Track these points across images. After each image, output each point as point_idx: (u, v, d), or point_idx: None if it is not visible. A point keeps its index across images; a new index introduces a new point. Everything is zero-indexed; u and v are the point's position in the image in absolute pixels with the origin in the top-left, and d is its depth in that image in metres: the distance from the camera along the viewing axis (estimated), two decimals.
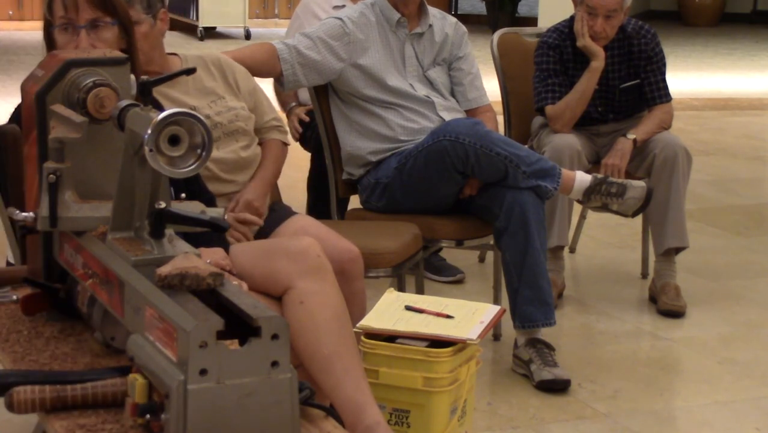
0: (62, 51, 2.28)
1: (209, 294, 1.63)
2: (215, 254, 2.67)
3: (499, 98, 4.62)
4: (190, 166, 1.72)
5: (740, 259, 5.25)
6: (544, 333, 3.73)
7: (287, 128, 3.45)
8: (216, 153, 3.19)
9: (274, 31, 13.18)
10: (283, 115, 4.37)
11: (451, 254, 4.85)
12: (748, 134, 8.49)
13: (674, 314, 4.37)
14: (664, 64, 4.54)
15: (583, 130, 4.44)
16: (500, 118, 4.44)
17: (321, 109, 3.99)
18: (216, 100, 3.28)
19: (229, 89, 3.34)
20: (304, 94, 4.46)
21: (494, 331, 3.97)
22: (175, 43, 12.03)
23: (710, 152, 7.33)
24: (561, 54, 4.44)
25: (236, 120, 3.28)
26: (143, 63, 3.16)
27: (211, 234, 2.43)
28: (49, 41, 2.64)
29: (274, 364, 1.52)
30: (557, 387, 3.64)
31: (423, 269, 4.03)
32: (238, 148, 3.28)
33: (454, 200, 3.84)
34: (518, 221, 3.66)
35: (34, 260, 2.15)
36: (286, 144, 3.47)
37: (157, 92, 3.12)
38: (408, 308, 3.03)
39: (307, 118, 4.53)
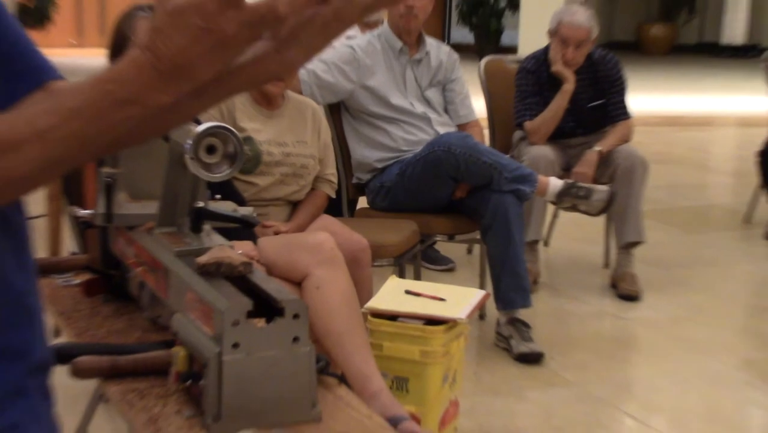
0: None
1: (240, 280, 1.64)
2: (245, 246, 2.68)
3: (486, 115, 4.62)
4: (224, 171, 1.72)
5: (687, 252, 5.25)
6: (522, 314, 3.74)
7: (336, 183, 3.47)
8: (276, 187, 3.24)
9: None
10: None
11: (444, 247, 4.85)
12: (694, 147, 8.50)
13: (631, 297, 4.38)
14: (625, 87, 4.55)
15: (556, 142, 4.44)
16: (486, 132, 4.45)
17: (334, 123, 3.99)
18: (300, 142, 3.30)
19: (314, 137, 3.35)
20: None
21: (480, 312, 3.98)
22: None
23: (663, 162, 7.33)
24: (538, 78, 4.44)
25: (306, 167, 3.30)
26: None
27: (242, 229, 2.43)
28: None
29: (295, 339, 1.52)
30: (533, 359, 3.65)
31: (420, 259, 4.04)
32: (290, 192, 3.29)
33: (447, 201, 3.84)
34: (501, 219, 3.67)
35: (93, 251, 2.15)
36: (330, 196, 3.47)
37: (260, 119, 3.24)
38: (407, 292, 3.03)
39: None
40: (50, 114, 0.85)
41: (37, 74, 1.07)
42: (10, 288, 1.00)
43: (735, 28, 14.87)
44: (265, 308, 1.54)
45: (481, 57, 4.89)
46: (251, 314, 1.50)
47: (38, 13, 11.35)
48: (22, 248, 1.03)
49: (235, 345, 1.48)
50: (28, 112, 0.86)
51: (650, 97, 9.99)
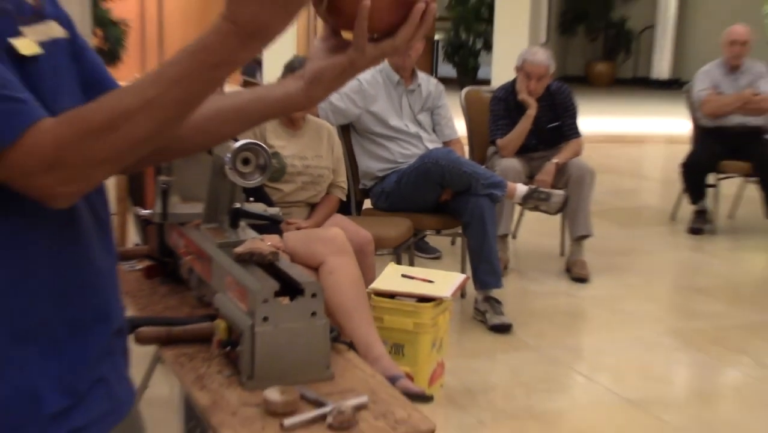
0: None
1: (269, 266, 1.62)
2: (273, 239, 2.67)
3: (466, 134, 4.61)
4: (256, 179, 1.72)
5: (626, 243, 5.24)
6: (495, 293, 3.72)
7: (346, 188, 3.45)
8: (298, 192, 3.22)
9: None
10: None
11: (432, 240, 4.84)
12: (630, 159, 8.50)
13: (582, 280, 4.36)
14: (576, 112, 4.54)
15: (521, 155, 4.43)
16: (466, 148, 4.44)
17: (344, 140, 3.97)
18: (318, 156, 3.29)
19: (329, 152, 3.35)
20: None
21: (461, 291, 3.96)
22: None
23: (606, 171, 7.30)
24: (507, 104, 4.43)
25: (322, 176, 3.29)
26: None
27: (270, 225, 2.42)
28: None
29: (313, 314, 1.51)
30: (503, 329, 3.63)
31: (413, 249, 4.02)
32: (309, 196, 3.27)
33: (435, 203, 3.83)
34: (478, 217, 3.65)
35: (152, 242, 2.14)
36: (341, 199, 3.44)
37: (285, 137, 3.21)
38: (403, 276, 3.03)
39: None
40: (154, 85, 0.85)
41: None
42: (101, 264, 1.01)
43: (662, 66, 14.87)
44: (289, 288, 1.53)
45: (461, 88, 4.88)
46: (278, 294, 1.49)
47: (111, 54, 11.33)
48: (107, 235, 1.03)
49: (265, 319, 1.47)
50: (135, 86, 0.86)
51: (596, 120, 9.94)
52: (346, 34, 0.94)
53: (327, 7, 0.92)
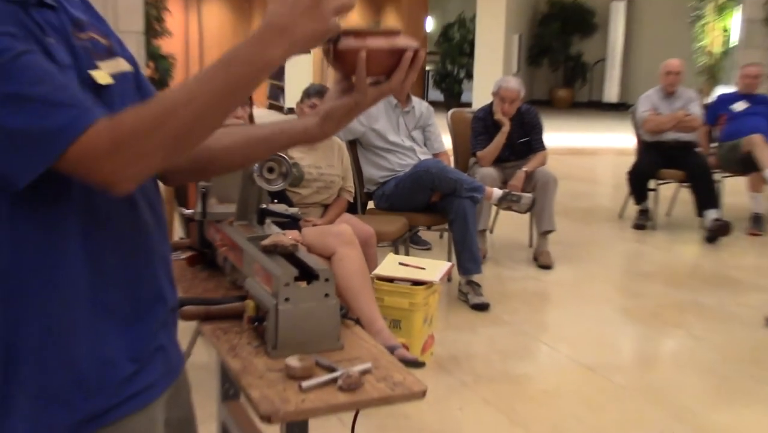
0: None
1: (290, 256, 1.61)
2: (293, 233, 2.66)
3: (451, 147, 4.60)
4: (279, 184, 1.71)
5: (583, 237, 5.23)
6: (476, 277, 3.71)
7: (353, 192, 3.43)
8: (313, 195, 3.20)
9: None
10: None
11: (424, 234, 4.83)
12: (586, 168, 8.49)
13: (547, 267, 4.35)
14: (542, 129, 4.53)
15: (497, 165, 4.42)
16: (452, 158, 4.43)
17: (352, 153, 3.96)
18: (330, 165, 3.28)
19: (339, 162, 3.34)
20: None
21: (448, 277, 3.95)
22: (270, 117, 11.97)
23: (567, 178, 7.28)
24: (485, 123, 4.42)
25: (333, 182, 3.28)
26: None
27: (291, 222, 2.41)
28: None
29: (326, 295, 1.49)
30: (482, 308, 3.62)
31: (408, 242, 4.01)
32: (322, 198, 3.25)
33: (426, 204, 3.81)
34: (461, 215, 3.65)
35: (194, 236, 2.12)
36: (349, 201, 3.42)
37: (303, 150, 3.19)
38: (400, 264, 3.01)
39: None
40: (197, 80, 0.85)
41: None
42: (159, 253, 1.01)
43: (611, 92, 14.86)
44: (306, 274, 1.52)
45: (448, 109, 4.87)
46: (297, 279, 1.48)
47: (161, 83, 11.31)
48: (162, 226, 1.04)
49: (287, 299, 1.46)
50: (180, 84, 0.86)
51: (558, 135, 9.93)
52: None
53: (333, 57, 0.93)
